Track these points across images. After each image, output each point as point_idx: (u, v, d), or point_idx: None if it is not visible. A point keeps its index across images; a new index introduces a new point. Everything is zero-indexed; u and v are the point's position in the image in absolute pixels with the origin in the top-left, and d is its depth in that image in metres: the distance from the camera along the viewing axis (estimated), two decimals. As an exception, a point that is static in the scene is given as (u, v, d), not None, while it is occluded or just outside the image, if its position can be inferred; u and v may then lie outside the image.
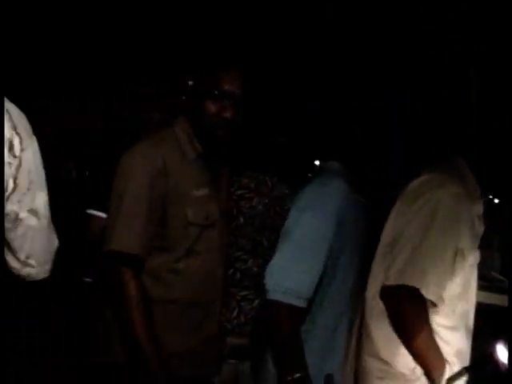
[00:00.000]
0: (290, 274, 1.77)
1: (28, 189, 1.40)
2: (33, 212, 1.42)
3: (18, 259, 1.43)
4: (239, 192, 2.07)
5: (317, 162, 2.34)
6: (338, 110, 2.19)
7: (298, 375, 1.73)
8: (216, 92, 1.78)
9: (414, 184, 1.76)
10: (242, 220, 2.07)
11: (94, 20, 4.05)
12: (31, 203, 1.41)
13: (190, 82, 1.87)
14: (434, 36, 3.22)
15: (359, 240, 1.90)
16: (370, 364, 1.75)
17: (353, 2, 3.67)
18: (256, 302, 2.06)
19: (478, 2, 2.86)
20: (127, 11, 3.99)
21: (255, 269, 2.05)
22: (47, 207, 1.46)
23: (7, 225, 1.39)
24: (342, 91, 2.29)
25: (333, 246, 1.82)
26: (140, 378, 1.66)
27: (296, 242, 1.80)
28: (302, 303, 1.77)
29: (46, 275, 1.50)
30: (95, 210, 2.34)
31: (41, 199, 1.44)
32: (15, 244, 1.42)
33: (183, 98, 1.95)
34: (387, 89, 2.18)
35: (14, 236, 1.41)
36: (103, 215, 2.22)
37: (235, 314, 2.05)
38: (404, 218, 1.72)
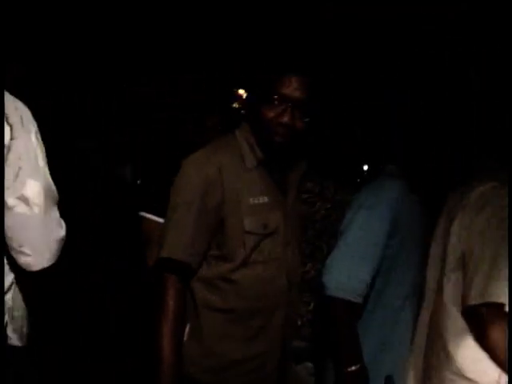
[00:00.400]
0: (345, 270, 1.80)
1: (16, 176, 1.41)
2: (23, 199, 1.41)
3: (12, 247, 1.44)
4: (303, 196, 2.06)
5: (365, 167, 2.34)
6: (337, 109, 2.19)
7: (354, 368, 1.75)
8: (272, 97, 1.74)
9: (474, 196, 1.75)
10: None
11: (94, 20, 4.06)
12: (20, 190, 1.41)
13: (248, 90, 1.83)
14: (434, 36, 3.22)
15: (418, 240, 1.90)
16: (456, 383, 1.76)
17: (353, 2, 3.68)
18: (312, 304, 2.05)
19: (478, 2, 2.87)
20: (128, 11, 4.00)
21: (312, 272, 2.04)
22: (43, 196, 1.45)
23: None
24: (342, 91, 2.30)
25: (388, 245, 1.83)
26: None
27: (350, 239, 1.83)
28: (357, 298, 1.80)
29: (45, 265, 1.48)
30: (148, 213, 2.37)
31: (34, 187, 1.43)
32: (8, 232, 1.42)
33: (243, 105, 1.90)
34: (387, 89, 2.18)
35: (5, 224, 1.42)
36: (156, 218, 2.27)
37: None
38: (470, 232, 1.72)
